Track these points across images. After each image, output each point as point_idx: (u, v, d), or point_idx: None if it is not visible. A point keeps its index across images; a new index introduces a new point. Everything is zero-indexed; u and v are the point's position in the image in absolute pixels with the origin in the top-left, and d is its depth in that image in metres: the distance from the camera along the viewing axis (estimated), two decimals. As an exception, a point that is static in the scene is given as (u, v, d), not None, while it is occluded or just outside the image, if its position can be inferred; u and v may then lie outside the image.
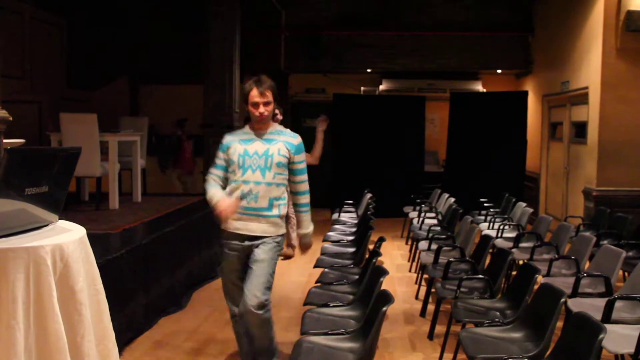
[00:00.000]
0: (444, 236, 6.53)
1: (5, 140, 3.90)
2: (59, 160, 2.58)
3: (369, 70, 12.42)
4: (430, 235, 6.58)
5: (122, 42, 10.61)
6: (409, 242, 8.45)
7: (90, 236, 2.64)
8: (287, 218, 4.05)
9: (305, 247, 3.95)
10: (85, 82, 10.18)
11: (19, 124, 4.80)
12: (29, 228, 2.48)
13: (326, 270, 5.01)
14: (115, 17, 10.51)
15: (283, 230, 3.81)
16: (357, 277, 4.70)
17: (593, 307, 3.94)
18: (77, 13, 9.66)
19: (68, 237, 2.45)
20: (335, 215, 8.33)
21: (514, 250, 5.97)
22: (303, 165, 3.79)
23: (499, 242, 6.56)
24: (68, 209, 2.72)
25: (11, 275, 2.19)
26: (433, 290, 5.29)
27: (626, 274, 5.83)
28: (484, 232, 6.76)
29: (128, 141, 7.26)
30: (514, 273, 5.69)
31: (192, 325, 5.24)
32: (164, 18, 10.77)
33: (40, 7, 8.73)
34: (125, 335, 4.59)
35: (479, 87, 12.71)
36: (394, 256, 8.19)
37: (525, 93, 11.42)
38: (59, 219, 2.68)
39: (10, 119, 3.93)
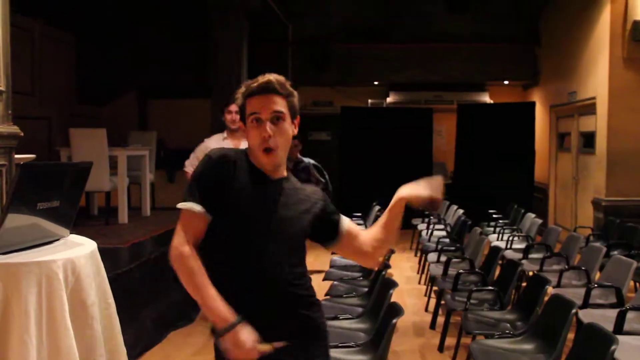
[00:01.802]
0: (453, 248, 6.52)
1: (16, 156, 3.93)
2: (71, 175, 2.60)
3: (376, 83, 12.45)
4: (439, 247, 6.56)
5: (131, 57, 10.69)
6: (418, 254, 8.43)
7: (99, 251, 2.65)
8: None
9: None
10: (94, 97, 10.25)
11: (29, 140, 4.84)
12: (40, 242, 2.50)
13: (335, 283, 5.00)
14: (124, 32, 10.60)
15: None
16: (366, 289, 4.69)
17: (604, 318, 3.92)
18: (86, 29, 9.75)
19: (79, 251, 2.47)
20: (343, 228, 8.32)
21: (523, 261, 5.94)
22: None
23: (509, 254, 6.53)
24: (77, 224, 2.74)
25: (24, 290, 2.21)
26: (443, 302, 5.27)
27: (637, 284, 5.79)
28: (493, 244, 6.73)
29: (137, 155, 7.30)
30: (523, 284, 5.66)
31: (201, 339, 5.23)
32: (172, 33, 10.86)
33: (50, 24, 8.82)
34: (135, 349, 4.59)
35: (486, 98, 12.71)
36: (403, 268, 8.16)
37: (533, 104, 11.41)
38: (70, 233, 2.70)
39: (22, 134, 3.96)
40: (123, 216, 6.79)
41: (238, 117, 2.81)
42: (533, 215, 7.93)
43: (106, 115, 10.24)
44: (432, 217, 8.94)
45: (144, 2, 10.15)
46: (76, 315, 2.34)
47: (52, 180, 2.48)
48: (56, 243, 2.57)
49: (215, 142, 5.10)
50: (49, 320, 2.24)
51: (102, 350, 2.45)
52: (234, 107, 4.85)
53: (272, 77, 2.01)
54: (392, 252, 4.88)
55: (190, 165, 5.34)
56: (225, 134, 5.20)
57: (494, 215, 9.00)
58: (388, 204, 2.09)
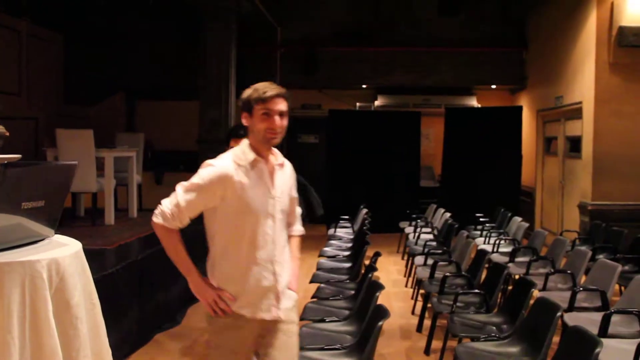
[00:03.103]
0: (439, 251, 6.54)
1: (1, 156, 3.90)
2: (55, 175, 2.58)
3: (364, 86, 12.48)
4: (426, 250, 6.58)
5: (119, 58, 10.66)
6: (405, 257, 8.45)
7: (85, 252, 2.63)
8: None
9: None
10: (81, 98, 10.20)
11: (16, 140, 4.81)
12: (25, 242, 2.47)
13: (322, 285, 5.00)
14: (112, 33, 10.57)
15: None
16: (353, 292, 4.70)
17: (589, 321, 3.94)
18: (74, 29, 9.70)
19: (64, 251, 2.44)
20: (331, 231, 8.33)
21: (509, 264, 5.98)
22: None
23: (495, 257, 6.56)
24: (64, 225, 2.72)
25: (7, 290, 2.19)
26: (429, 305, 5.28)
27: (622, 287, 5.82)
28: (479, 247, 6.76)
29: (124, 157, 7.27)
30: (510, 287, 5.69)
31: (187, 341, 5.22)
32: (161, 34, 10.84)
33: (37, 24, 8.76)
34: (121, 351, 4.56)
35: (474, 102, 12.76)
36: (390, 271, 8.18)
37: (520, 108, 11.48)
38: (55, 233, 2.68)
39: (7, 134, 3.94)
40: (110, 217, 6.75)
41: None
42: (519, 219, 7.97)
43: (94, 116, 10.18)
44: (419, 221, 8.97)
45: (133, 3, 10.12)
46: (60, 315, 2.32)
47: (37, 180, 2.46)
48: (40, 243, 2.55)
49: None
50: (32, 320, 2.22)
51: (86, 351, 2.43)
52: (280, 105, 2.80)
53: None
54: (378, 254, 4.88)
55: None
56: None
57: (481, 219, 9.03)
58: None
